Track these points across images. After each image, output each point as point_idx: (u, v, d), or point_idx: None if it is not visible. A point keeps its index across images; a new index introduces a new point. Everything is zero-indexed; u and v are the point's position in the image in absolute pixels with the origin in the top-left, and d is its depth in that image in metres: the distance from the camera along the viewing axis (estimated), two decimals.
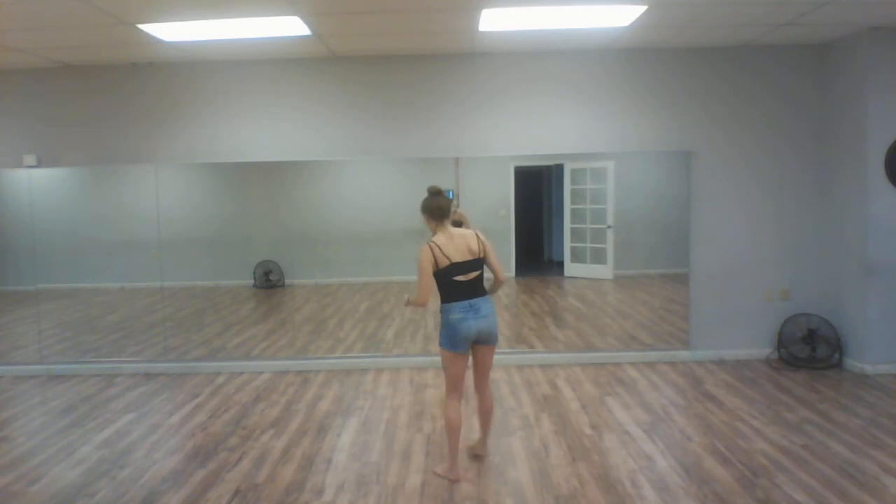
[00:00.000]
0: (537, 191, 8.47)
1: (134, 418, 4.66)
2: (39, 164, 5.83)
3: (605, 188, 6.25)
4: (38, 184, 6.00)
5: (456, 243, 3.51)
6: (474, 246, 3.54)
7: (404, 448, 4.04)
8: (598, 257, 6.44)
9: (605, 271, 6.45)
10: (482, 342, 3.59)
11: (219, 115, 5.78)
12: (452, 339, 3.50)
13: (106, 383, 5.53)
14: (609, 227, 6.26)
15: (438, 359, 5.78)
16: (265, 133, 5.78)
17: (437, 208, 3.58)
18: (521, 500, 3.36)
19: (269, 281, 6.49)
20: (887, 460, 3.70)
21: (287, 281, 6.45)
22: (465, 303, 3.49)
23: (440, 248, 3.47)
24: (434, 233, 3.59)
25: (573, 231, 6.51)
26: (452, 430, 3.56)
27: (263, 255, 6.45)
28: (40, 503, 3.44)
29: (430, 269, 3.47)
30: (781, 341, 5.68)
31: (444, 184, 6.02)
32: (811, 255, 5.76)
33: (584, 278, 6.61)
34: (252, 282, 6.50)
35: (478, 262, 3.55)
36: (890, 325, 5.24)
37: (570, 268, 6.65)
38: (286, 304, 6.49)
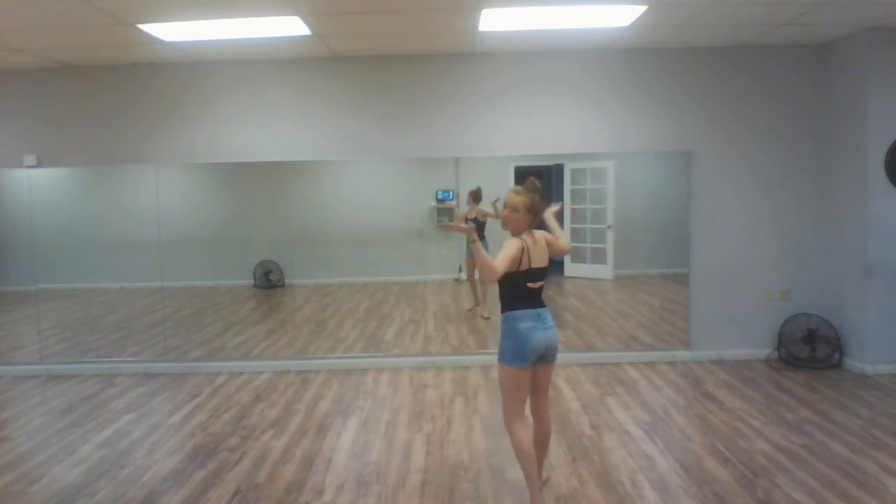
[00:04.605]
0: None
1: (134, 418, 4.66)
2: (39, 164, 5.83)
3: (605, 188, 6.25)
4: (38, 184, 6.00)
5: (537, 249, 3.19)
6: (546, 252, 3.25)
7: (404, 448, 4.04)
8: (598, 257, 6.44)
9: (605, 271, 6.45)
10: (545, 359, 3.26)
11: (219, 115, 5.78)
12: (522, 352, 3.10)
13: (106, 383, 5.53)
14: (609, 226, 6.26)
15: (438, 359, 5.81)
16: (265, 133, 5.78)
17: (538, 209, 3.21)
18: (521, 500, 3.36)
19: (269, 281, 6.49)
20: (887, 460, 3.70)
21: (287, 281, 6.46)
22: (534, 311, 3.17)
23: (528, 250, 3.13)
24: (518, 232, 3.18)
25: (573, 231, 6.51)
26: (529, 460, 3.11)
27: (263, 255, 6.45)
28: (40, 503, 3.44)
29: (512, 262, 3.06)
30: (781, 341, 5.68)
31: (444, 184, 6.04)
32: (811, 255, 5.76)
33: (584, 278, 6.61)
34: (252, 282, 6.51)
35: (547, 271, 3.27)
36: (890, 325, 5.24)
37: (570, 268, 6.65)
38: (286, 304, 6.49)
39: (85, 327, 6.36)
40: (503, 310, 3.21)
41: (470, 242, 2.99)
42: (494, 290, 3.65)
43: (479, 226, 5.88)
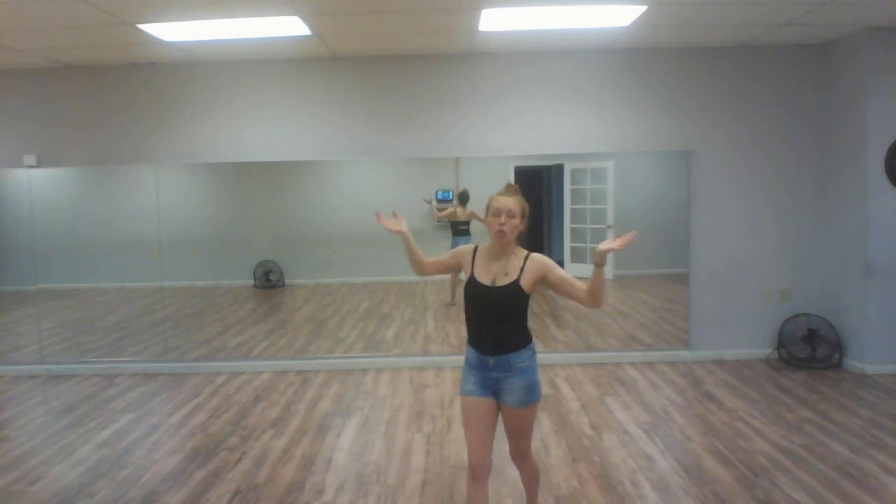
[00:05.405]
0: (537, 191, 8.47)
1: (134, 418, 4.66)
2: (39, 164, 5.83)
3: (605, 188, 6.25)
4: (38, 184, 6.00)
5: None
6: None
7: (404, 448, 4.04)
8: None
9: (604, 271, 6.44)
10: None
11: (219, 115, 5.77)
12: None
13: (106, 383, 5.53)
14: (609, 227, 6.26)
15: (438, 359, 5.82)
16: (265, 133, 5.78)
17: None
18: (521, 501, 3.35)
19: (269, 281, 6.49)
20: (887, 460, 3.70)
21: (287, 281, 6.45)
22: None
23: None
24: (512, 244, 2.73)
25: (573, 231, 6.51)
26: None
27: (263, 255, 6.45)
28: (40, 503, 3.44)
29: None
30: (781, 341, 5.68)
31: (444, 184, 6.04)
32: (811, 255, 5.75)
33: (585, 278, 6.59)
34: (252, 282, 6.51)
35: None
36: (890, 325, 5.24)
37: (570, 268, 6.64)
38: (286, 304, 6.49)
39: (85, 327, 6.36)
40: (529, 342, 2.73)
41: (598, 265, 2.52)
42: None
43: (458, 224, 6.09)
